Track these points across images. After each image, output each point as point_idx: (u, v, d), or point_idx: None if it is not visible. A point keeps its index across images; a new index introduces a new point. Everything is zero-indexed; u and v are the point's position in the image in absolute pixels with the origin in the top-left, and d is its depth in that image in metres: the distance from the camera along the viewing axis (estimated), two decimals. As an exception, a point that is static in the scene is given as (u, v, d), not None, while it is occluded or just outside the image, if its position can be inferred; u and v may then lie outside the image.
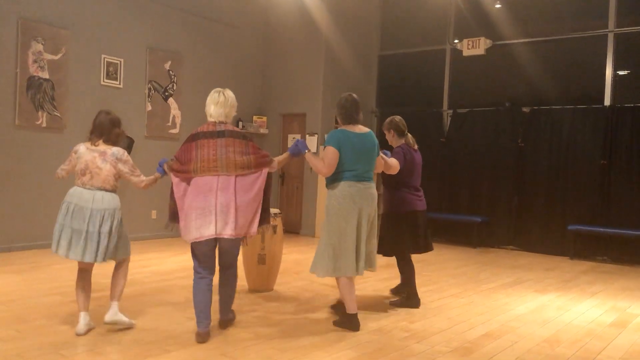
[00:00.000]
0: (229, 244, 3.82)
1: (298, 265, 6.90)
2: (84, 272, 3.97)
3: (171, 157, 3.92)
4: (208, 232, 3.65)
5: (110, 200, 3.86)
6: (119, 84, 8.09)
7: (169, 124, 8.78)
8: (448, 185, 9.60)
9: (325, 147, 4.19)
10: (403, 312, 4.83)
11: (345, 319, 4.25)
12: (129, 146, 7.89)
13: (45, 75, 7.26)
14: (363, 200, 4.17)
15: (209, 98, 3.90)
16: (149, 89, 8.48)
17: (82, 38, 7.65)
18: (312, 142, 9.57)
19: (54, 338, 3.75)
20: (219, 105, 3.84)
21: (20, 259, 6.57)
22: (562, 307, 5.26)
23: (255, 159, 3.78)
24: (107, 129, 3.91)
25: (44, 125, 7.29)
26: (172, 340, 3.80)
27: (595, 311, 5.16)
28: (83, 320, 3.86)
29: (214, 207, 3.64)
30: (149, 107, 8.48)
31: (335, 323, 4.30)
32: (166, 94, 8.73)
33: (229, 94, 3.91)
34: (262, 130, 10.15)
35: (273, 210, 5.40)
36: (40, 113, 7.24)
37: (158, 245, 7.92)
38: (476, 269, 7.19)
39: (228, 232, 3.67)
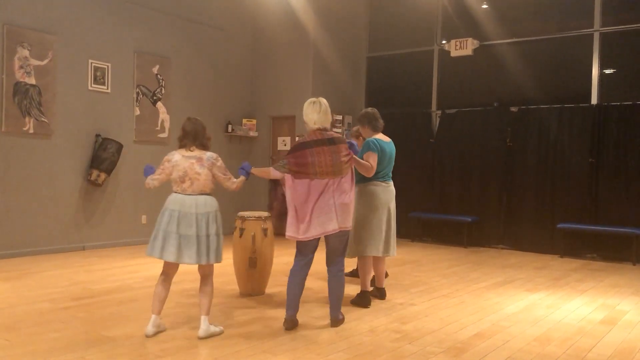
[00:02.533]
0: (340, 238, 4.31)
1: (289, 268, 6.86)
2: (167, 275, 4.10)
3: (281, 161, 4.27)
4: (331, 227, 4.18)
5: (211, 203, 4.05)
6: (107, 88, 8.05)
7: (158, 128, 8.74)
8: (438, 186, 9.63)
9: (366, 153, 4.93)
10: (395, 313, 4.84)
11: (360, 296, 5.06)
12: (117, 151, 7.90)
13: (31, 80, 7.21)
14: (386, 195, 5.07)
15: (309, 109, 4.33)
16: (137, 94, 8.44)
17: (68, 43, 7.60)
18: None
19: (44, 346, 3.72)
20: (321, 114, 4.32)
21: (8, 266, 6.50)
22: (553, 306, 5.29)
23: (352, 159, 4.37)
24: (201, 134, 4.08)
25: (31, 131, 7.23)
26: (163, 347, 3.78)
27: (585, 309, 5.20)
28: (152, 322, 4.01)
29: (334, 205, 4.20)
30: (138, 112, 8.44)
31: (352, 301, 5.06)
32: (154, 98, 8.69)
33: (324, 101, 4.36)
34: (252, 133, 10.12)
35: (263, 214, 5.40)
36: (27, 119, 7.18)
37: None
38: (467, 268, 7.22)
39: (347, 225, 4.27)
